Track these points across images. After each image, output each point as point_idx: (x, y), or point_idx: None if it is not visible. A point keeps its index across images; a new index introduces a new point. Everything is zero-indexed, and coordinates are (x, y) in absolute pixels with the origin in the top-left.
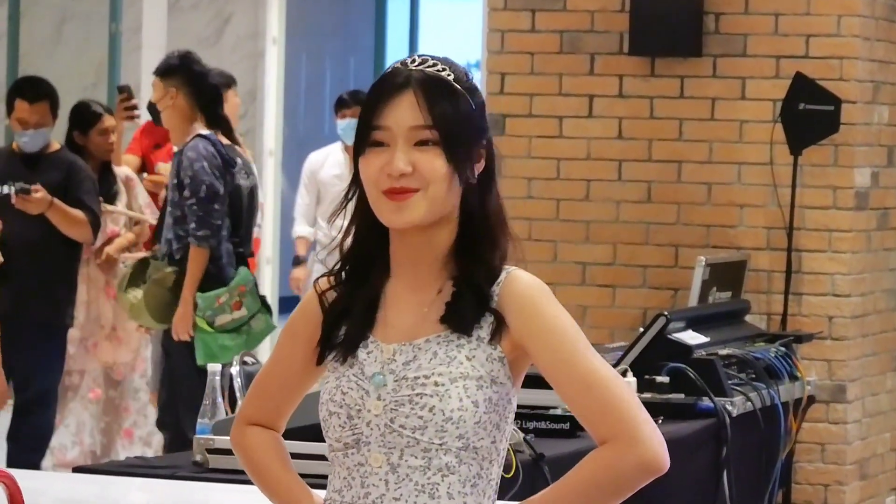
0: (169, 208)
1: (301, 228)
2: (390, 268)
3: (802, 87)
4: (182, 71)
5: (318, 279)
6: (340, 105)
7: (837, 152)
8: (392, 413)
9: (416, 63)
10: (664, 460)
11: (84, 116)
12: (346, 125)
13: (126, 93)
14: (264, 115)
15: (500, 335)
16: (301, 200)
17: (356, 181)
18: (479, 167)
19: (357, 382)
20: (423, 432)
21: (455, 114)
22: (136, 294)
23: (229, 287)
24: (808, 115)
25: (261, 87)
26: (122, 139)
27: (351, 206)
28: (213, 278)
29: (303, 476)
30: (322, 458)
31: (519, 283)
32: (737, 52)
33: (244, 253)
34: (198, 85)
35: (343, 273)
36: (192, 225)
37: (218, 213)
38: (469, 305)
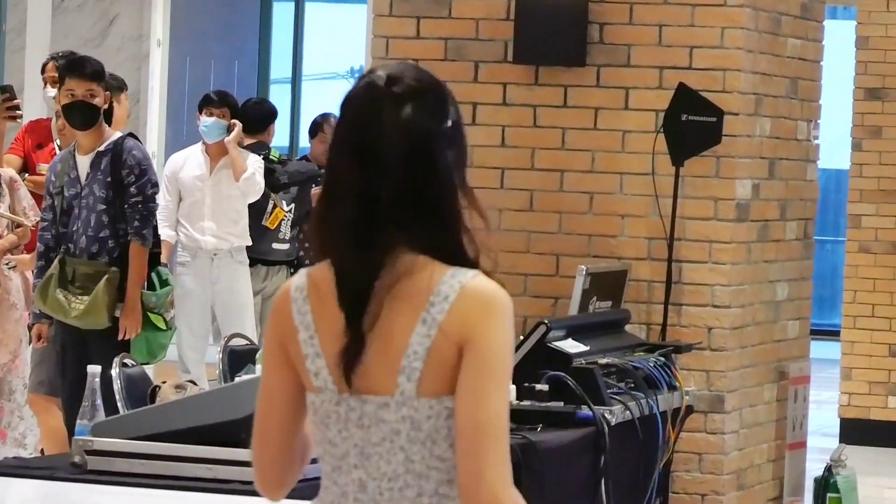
0: (102, 206)
1: (163, 231)
2: None
3: (685, 99)
4: (105, 77)
5: None
6: (207, 103)
7: (719, 164)
8: None
9: None
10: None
11: None
12: (212, 123)
13: (8, 93)
14: (147, 116)
15: None
16: (163, 202)
17: None
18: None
19: None
20: None
21: None
22: (67, 295)
23: (172, 286)
24: (691, 126)
25: (144, 89)
26: (5, 140)
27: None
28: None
29: (178, 478)
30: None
31: None
32: (620, 63)
33: (158, 252)
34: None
35: None
36: (136, 223)
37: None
38: None
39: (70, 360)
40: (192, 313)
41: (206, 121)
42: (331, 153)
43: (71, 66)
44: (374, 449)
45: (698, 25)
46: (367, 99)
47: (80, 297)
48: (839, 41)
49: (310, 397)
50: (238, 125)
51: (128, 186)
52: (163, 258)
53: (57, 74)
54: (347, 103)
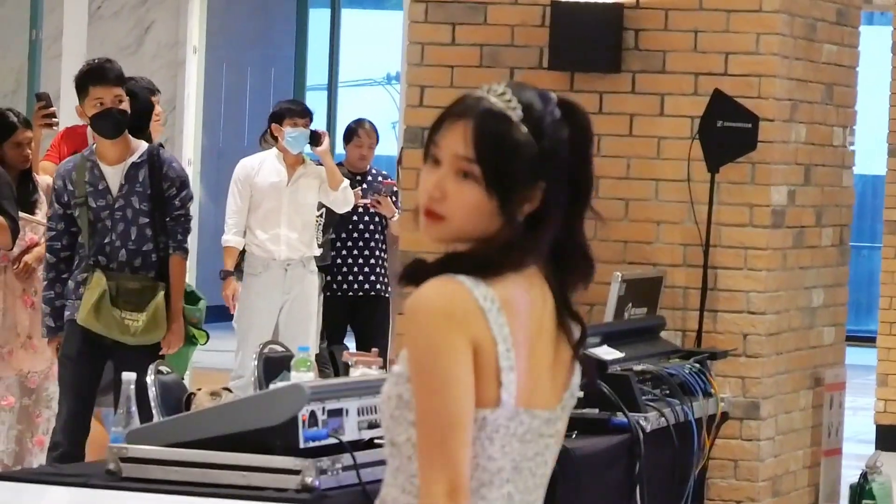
0: (145, 220)
1: (231, 237)
2: None
3: (720, 105)
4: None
5: None
6: (292, 114)
7: (754, 170)
8: None
9: (492, 92)
10: None
11: (0, 127)
12: (299, 134)
13: (44, 100)
14: (184, 124)
15: None
16: (234, 206)
17: None
18: (529, 208)
19: None
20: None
21: (501, 149)
22: (122, 313)
23: (203, 299)
24: (726, 132)
25: (180, 96)
26: (41, 146)
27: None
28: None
29: (212, 486)
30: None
31: (412, 297)
32: (656, 69)
33: None
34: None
35: None
36: (180, 236)
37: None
38: None
39: (86, 365)
40: (259, 323)
41: (292, 132)
42: (550, 169)
43: (94, 74)
44: (526, 463)
45: (733, 31)
46: (588, 122)
47: (132, 314)
48: (875, 47)
49: (479, 413)
50: (326, 135)
51: (170, 199)
52: (228, 265)
53: (76, 88)
54: (585, 132)
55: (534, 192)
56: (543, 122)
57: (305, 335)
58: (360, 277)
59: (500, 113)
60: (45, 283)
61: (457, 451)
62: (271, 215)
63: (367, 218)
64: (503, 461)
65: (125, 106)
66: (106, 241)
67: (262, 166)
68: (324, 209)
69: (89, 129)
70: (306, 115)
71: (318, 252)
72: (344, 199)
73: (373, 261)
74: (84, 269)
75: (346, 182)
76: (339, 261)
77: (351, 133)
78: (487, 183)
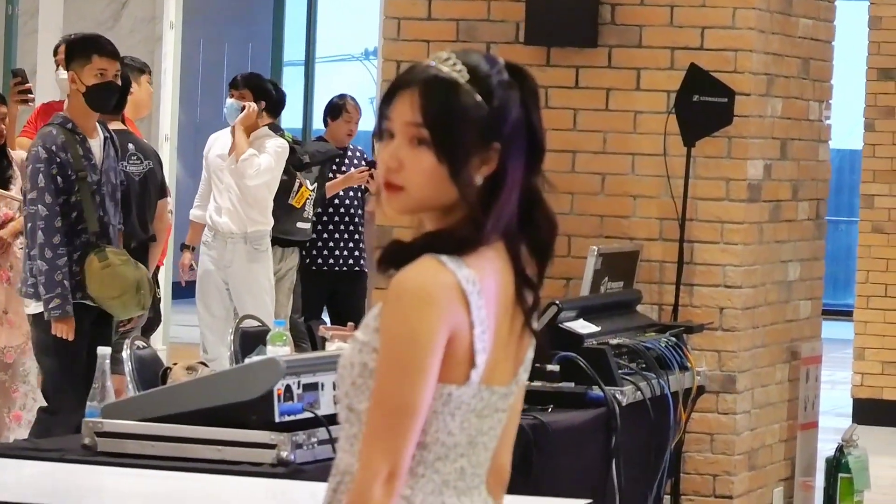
0: (119, 195)
1: (193, 211)
2: None
3: (697, 79)
4: None
5: None
6: (231, 85)
7: (731, 144)
8: None
9: (437, 59)
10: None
11: None
12: (229, 105)
13: (20, 76)
14: (160, 99)
15: None
16: (202, 181)
17: None
18: (486, 170)
19: None
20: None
21: (448, 113)
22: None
23: None
24: (702, 106)
25: (158, 71)
26: (17, 122)
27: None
28: None
29: (187, 460)
30: (210, 442)
31: (395, 278)
32: (632, 43)
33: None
34: None
35: None
36: (122, 210)
37: None
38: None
39: (86, 343)
40: (209, 294)
41: (226, 103)
42: (503, 129)
43: (100, 44)
44: (481, 438)
45: (710, 6)
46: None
47: None
48: (852, 21)
49: (445, 388)
50: (250, 107)
51: (118, 173)
52: (188, 238)
53: (72, 52)
54: (533, 94)
55: (489, 153)
56: (491, 83)
57: (255, 312)
58: (346, 252)
59: (445, 77)
60: (63, 258)
61: (405, 440)
62: (216, 187)
63: (350, 194)
64: (460, 436)
65: (118, 81)
66: (96, 216)
67: (218, 140)
68: (316, 184)
69: (66, 104)
70: (244, 86)
71: (268, 226)
72: (243, 169)
73: (357, 236)
74: (79, 246)
75: (248, 154)
76: (324, 235)
77: (339, 109)
78: (437, 146)
